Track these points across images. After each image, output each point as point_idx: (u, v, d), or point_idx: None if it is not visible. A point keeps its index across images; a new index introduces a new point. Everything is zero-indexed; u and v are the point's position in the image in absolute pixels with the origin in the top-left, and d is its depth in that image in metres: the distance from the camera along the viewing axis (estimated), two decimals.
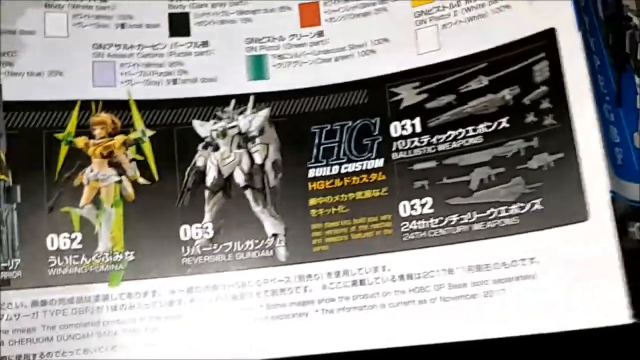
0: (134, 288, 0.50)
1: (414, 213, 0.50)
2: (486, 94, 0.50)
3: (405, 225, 0.50)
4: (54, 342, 0.48)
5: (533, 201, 0.47)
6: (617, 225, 0.44)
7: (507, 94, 0.49)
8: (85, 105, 0.52)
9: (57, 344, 0.48)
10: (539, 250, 0.46)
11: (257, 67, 0.54)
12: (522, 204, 0.47)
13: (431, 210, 0.49)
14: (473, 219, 0.48)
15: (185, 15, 0.55)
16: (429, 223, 0.49)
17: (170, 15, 0.55)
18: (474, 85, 0.50)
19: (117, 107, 0.52)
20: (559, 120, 0.48)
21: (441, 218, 0.49)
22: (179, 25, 0.54)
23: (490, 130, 0.49)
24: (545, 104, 0.48)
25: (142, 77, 0.53)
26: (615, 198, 0.45)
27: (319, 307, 0.49)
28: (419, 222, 0.49)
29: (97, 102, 0.52)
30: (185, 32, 0.54)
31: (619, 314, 0.43)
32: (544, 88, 0.48)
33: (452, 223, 0.49)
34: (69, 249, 0.50)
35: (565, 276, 0.45)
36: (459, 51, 0.51)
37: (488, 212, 0.48)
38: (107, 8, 0.54)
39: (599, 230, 0.45)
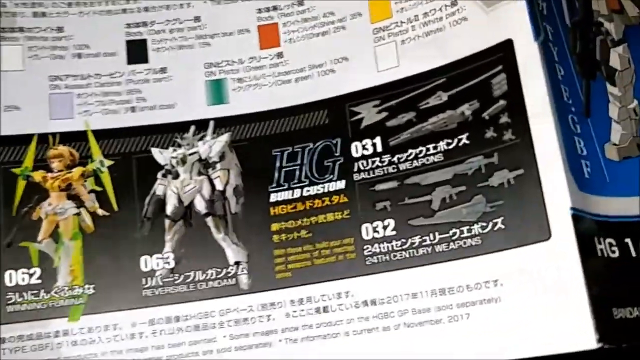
0: (94, 322, 0.48)
1: (376, 235, 0.48)
2: (445, 110, 0.48)
3: (367, 248, 0.48)
4: None
5: (495, 220, 0.45)
6: (581, 243, 0.42)
7: (466, 109, 0.48)
8: (43, 138, 0.51)
9: None
10: (502, 271, 0.44)
11: (217, 91, 0.53)
12: (484, 224, 0.46)
13: (393, 232, 0.48)
14: (435, 240, 0.47)
15: (143, 42, 0.54)
16: (392, 245, 0.48)
17: (128, 42, 0.54)
18: (433, 101, 0.49)
19: (75, 138, 0.52)
20: (519, 134, 0.46)
21: (404, 240, 0.48)
22: (136, 52, 0.54)
23: (450, 147, 0.48)
24: (504, 119, 0.46)
25: (99, 107, 0.52)
26: (578, 215, 0.43)
27: (282, 336, 0.48)
28: (382, 245, 0.48)
29: (54, 134, 0.51)
30: (143, 59, 0.54)
31: (585, 339, 0.41)
32: (502, 102, 0.47)
33: (415, 245, 0.47)
34: (27, 285, 0.49)
35: (529, 299, 0.43)
36: (418, 67, 0.50)
37: (450, 232, 0.46)
38: (63, 38, 0.53)
39: (561, 250, 0.43)
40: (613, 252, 0.44)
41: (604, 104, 0.48)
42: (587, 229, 0.43)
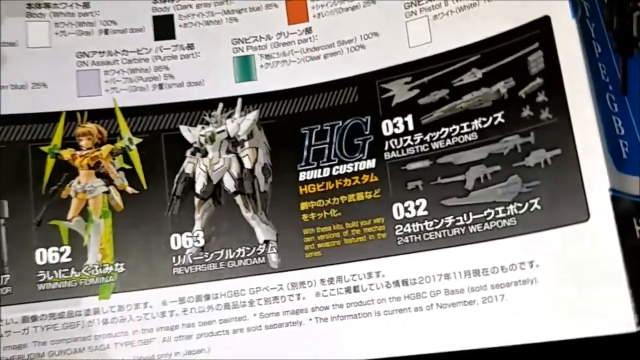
0: (125, 300, 0.49)
1: (408, 215, 0.48)
2: (480, 88, 0.47)
3: (399, 228, 0.48)
4: (45, 357, 0.47)
5: (531, 201, 0.45)
6: (620, 224, 0.41)
7: (501, 87, 0.47)
8: (71, 116, 0.51)
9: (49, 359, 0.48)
10: (538, 252, 0.44)
11: (244, 68, 0.52)
12: (519, 204, 0.45)
13: (425, 213, 0.47)
14: (469, 221, 0.46)
15: (170, 18, 0.53)
16: (424, 226, 0.47)
17: (155, 18, 0.53)
18: (467, 78, 0.48)
19: (103, 116, 0.51)
20: (556, 113, 0.45)
21: (436, 220, 0.47)
22: (163, 28, 0.53)
23: (485, 126, 0.47)
24: (541, 97, 0.45)
25: (127, 84, 0.52)
26: (617, 196, 0.42)
27: (312, 315, 0.48)
28: (414, 225, 0.47)
29: (82, 112, 0.51)
30: (170, 34, 0.53)
31: (624, 322, 0.40)
32: (539, 80, 0.46)
33: (448, 225, 0.47)
34: (58, 263, 0.49)
35: (566, 281, 0.43)
36: (451, 43, 0.49)
37: (485, 213, 0.46)
38: (90, 14, 0.53)
39: (600, 231, 0.42)
40: None
41: None
42: (626, 209, 0.42)
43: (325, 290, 0.48)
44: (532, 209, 0.45)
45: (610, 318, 0.41)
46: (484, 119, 0.47)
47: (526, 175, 0.45)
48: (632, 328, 0.40)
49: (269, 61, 0.53)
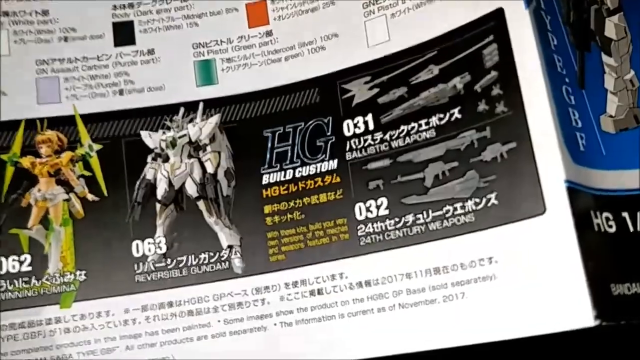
0: (86, 309, 0.48)
1: (369, 215, 0.47)
2: (437, 84, 0.47)
3: (361, 228, 0.47)
4: None
5: (488, 196, 0.44)
6: (577, 218, 0.41)
7: (457, 82, 0.46)
8: (30, 124, 0.50)
9: None
10: (497, 248, 0.43)
11: (206, 72, 0.52)
12: (477, 200, 0.44)
13: (387, 212, 0.47)
14: (429, 218, 0.45)
15: (130, 24, 0.53)
16: (385, 225, 0.47)
17: (114, 24, 0.53)
18: (424, 75, 0.47)
19: (63, 123, 0.51)
20: (511, 107, 0.44)
21: (397, 219, 0.46)
22: (123, 34, 0.53)
23: (442, 122, 0.47)
24: (496, 91, 0.45)
25: (87, 91, 0.52)
26: (574, 188, 0.42)
27: (277, 320, 0.47)
28: (375, 225, 0.47)
29: (42, 119, 0.51)
30: (130, 40, 0.53)
31: (583, 316, 0.40)
32: (494, 73, 0.45)
33: (409, 223, 0.46)
34: (18, 272, 0.48)
35: (525, 276, 0.42)
36: (409, 40, 0.49)
37: (444, 210, 0.45)
38: (49, 22, 0.52)
39: (557, 224, 0.41)
40: (610, 226, 0.42)
41: (599, 75, 0.47)
42: (583, 203, 0.42)
43: (289, 294, 0.47)
44: (489, 204, 0.44)
45: (569, 313, 0.40)
46: (441, 115, 0.47)
47: (483, 170, 0.45)
48: (590, 322, 0.39)
49: (230, 65, 0.52)
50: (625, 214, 0.43)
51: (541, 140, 0.43)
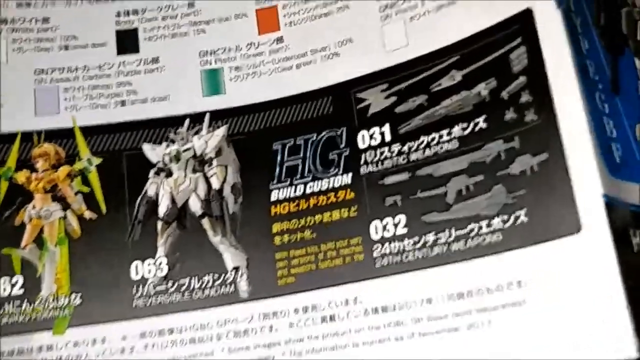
0: (81, 335, 0.45)
1: (386, 234, 0.43)
2: (460, 91, 0.44)
3: (377, 248, 0.43)
4: None
5: (517, 212, 0.40)
6: (615, 235, 0.37)
7: (482, 88, 0.43)
8: (27, 137, 0.48)
9: None
10: (526, 271, 0.39)
11: (213, 81, 0.49)
12: (505, 217, 0.40)
13: (405, 230, 0.43)
14: (452, 238, 0.42)
15: (134, 31, 0.51)
16: (403, 245, 0.43)
17: (118, 32, 0.50)
18: (446, 82, 0.44)
19: (61, 135, 0.48)
20: (542, 115, 0.41)
21: (416, 238, 0.43)
22: (126, 42, 0.50)
23: (466, 132, 0.43)
24: (526, 97, 0.41)
25: (87, 101, 0.49)
26: (612, 204, 0.37)
27: (286, 348, 0.43)
28: (392, 245, 0.43)
29: (39, 132, 0.48)
30: (134, 48, 0.50)
31: (624, 346, 0.35)
32: (522, 78, 0.42)
33: (429, 243, 0.42)
34: (9, 296, 0.45)
35: (557, 302, 0.38)
36: (429, 45, 0.46)
37: (468, 228, 0.41)
38: (49, 29, 0.50)
39: (594, 243, 0.37)
40: None
41: (634, 81, 0.43)
42: (621, 219, 0.38)
43: (299, 321, 0.44)
44: (518, 222, 0.40)
45: (608, 343, 0.36)
46: (465, 125, 0.43)
47: (511, 185, 0.41)
48: (632, 354, 0.35)
49: (238, 73, 0.49)
50: None
51: (575, 151, 0.39)
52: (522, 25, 0.42)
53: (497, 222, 0.41)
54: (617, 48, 0.43)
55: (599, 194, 0.38)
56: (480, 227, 0.41)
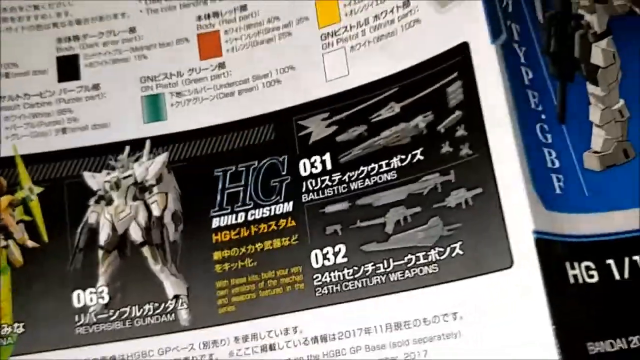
0: None
1: (326, 263, 0.44)
2: (399, 123, 0.44)
3: (317, 278, 0.43)
4: None
5: (453, 245, 0.41)
6: (547, 272, 0.37)
7: (420, 121, 0.43)
8: None
9: None
10: (462, 303, 0.40)
11: (154, 108, 0.49)
12: (441, 249, 0.41)
13: (345, 260, 0.43)
14: (390, 268, 0.42)
15: (75, 58, 0.50)
16: (343, 274, 0.43)
17: (58, 58, 0.50)
18: (385, 113, 0.44)
19: (2, 165, 0.48)
20: (476, 149, 0.41)
21: (355, 268, 0.43)
22: (67, 69, 0.50)
23: (404, 164, 0.43)
24: (461, 131, 0.42)
25: (28, 129, 0.49)
26: (545, 239, 0.38)
27: None
28: (332, 274, 0.43)
29: None
30: (75, 75, 0.49)
31: None
32: (458, 113, 0.42)
33: (368, 273, 0.42)
34: None
35: (491, 335, 0.38)
36: (369, 76, 0.46)
37: (405, 259, 0.42)
38: None
39: (524, 280, 0.38)
40: (591, 276, 0.39)
41: (583, 108, 0.43)
42: (555, 254, 0.38)
43: (239, 350, 0.44)
44: (453, 254, 0.40)
45: None
46: (403, 157, 0.43)
47: (447, 217, 0.41)
48: None
49: (180, 99, 0.49)
50: (610, 261, 0.39)
51: (508, 186, 0.39)
52: (459, 60, 0.43)
53: (433, 254, 0.41)
54: (568, 74, 0.43)
55: (529, 230, 0.38)
56: (418, 258, 0.41)
